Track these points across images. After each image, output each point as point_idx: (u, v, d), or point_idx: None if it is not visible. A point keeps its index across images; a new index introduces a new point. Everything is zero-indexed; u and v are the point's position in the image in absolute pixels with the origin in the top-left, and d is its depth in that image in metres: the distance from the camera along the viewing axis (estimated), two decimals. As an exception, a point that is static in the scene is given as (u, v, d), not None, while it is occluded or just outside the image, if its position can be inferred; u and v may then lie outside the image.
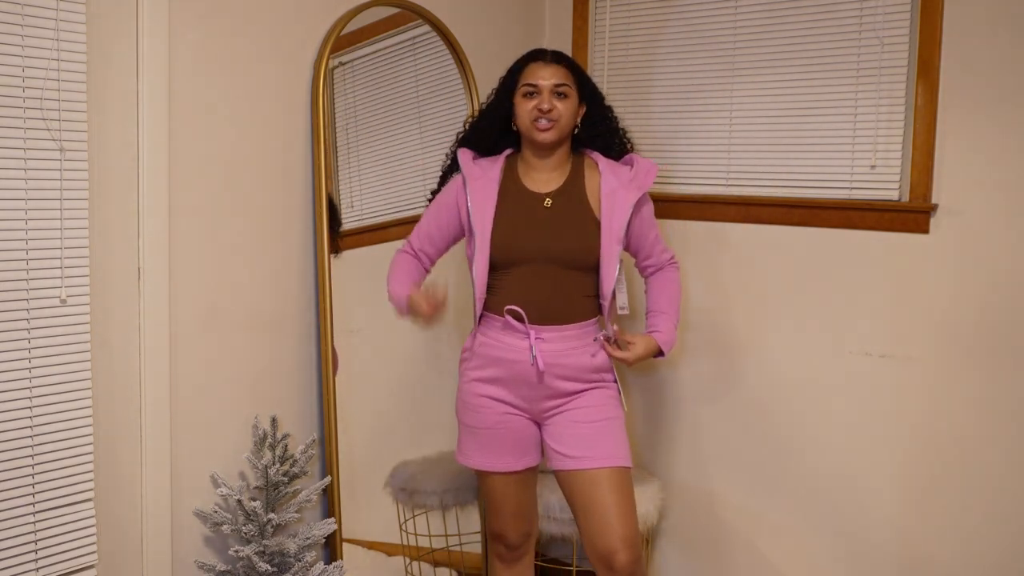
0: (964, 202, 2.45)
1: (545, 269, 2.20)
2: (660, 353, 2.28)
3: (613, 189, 2.22)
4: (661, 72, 2.93)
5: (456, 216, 2.30)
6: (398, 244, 2.40)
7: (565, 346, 2.21)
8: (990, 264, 2.43)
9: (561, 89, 2.19)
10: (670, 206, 2.85)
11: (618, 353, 2.22)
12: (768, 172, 2.75)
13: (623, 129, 2.34)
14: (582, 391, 2.23)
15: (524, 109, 2.21)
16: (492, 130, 2.31)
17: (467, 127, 2.40)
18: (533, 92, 2.20)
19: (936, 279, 2.50)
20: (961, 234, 2.46)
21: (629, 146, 2.34)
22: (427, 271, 2.38)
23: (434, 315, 2.19)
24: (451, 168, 2.38)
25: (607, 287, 2.21)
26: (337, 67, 2.53)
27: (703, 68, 2.84)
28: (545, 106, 2.17)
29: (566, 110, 2.20)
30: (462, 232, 2.32)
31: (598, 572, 2.19)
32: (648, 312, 2.35)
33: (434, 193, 2.41)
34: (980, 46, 2.40)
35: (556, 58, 2.24)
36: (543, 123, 2.19)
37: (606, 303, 2.24)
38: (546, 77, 2.19)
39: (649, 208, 2.29)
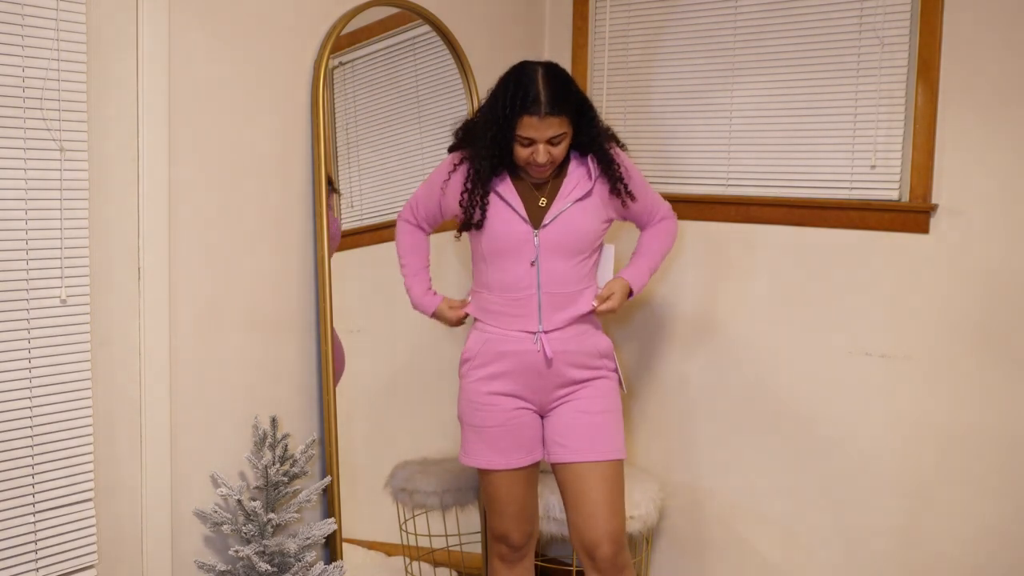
0: (964, 202, 2.45)
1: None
2: (630, 293, 2.33)
3: (574, 184, 2.25)
4: (661, 72, 2.92)
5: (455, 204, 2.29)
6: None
7: (569, 332, 2.25)
8: (990, 264, 2.43)
9: (556, 139, 2.17)
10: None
11: (604, 306, 2.27)
12: (768, 172, 2.75)
13: (607, 128, 2.30)
14: (588, 380, 2.27)
15: (520, 154, 2.20)
16: (489, 154, 2.24)
17: (470, 138, 2.31)
18: (528, 144, 2.17)
19: (936, 279, 2.50)
20: (961, 234, 2.46)
21: (614, 142, 2.31)
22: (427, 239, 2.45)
23: (457, 324, 2.41)
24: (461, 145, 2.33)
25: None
26: (337, 67, 2.52)
27: (703, 68, 2.84)
28: (541, 159, 2.17)
29: (561, 152, 2.20)
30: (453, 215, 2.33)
31: (582, 562, 2.27)
32: (632, 256, 2.41)
33: (451, 149, 2.35)
34: (980, 46, 2.40)
35: (550, 108, 2.13)
36: (539, 168, 2.21)
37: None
38: (541, 131, 2.15)
39: (610, 185, 2.26)
